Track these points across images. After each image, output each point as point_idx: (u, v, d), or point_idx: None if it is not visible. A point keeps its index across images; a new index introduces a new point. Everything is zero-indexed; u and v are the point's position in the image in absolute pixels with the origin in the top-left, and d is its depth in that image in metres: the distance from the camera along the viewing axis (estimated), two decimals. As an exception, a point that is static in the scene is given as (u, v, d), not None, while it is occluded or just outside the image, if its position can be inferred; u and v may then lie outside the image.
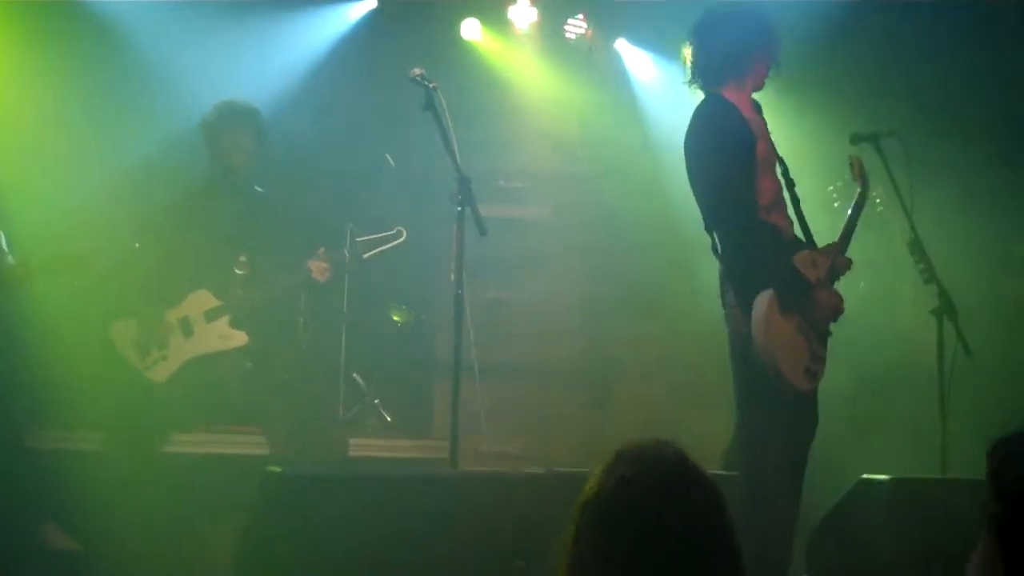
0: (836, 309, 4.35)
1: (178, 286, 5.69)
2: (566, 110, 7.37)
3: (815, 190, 5.38)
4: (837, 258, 4.42)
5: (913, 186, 5.00)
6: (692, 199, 4.38)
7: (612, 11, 7.37)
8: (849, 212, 4.58)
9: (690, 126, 4.37)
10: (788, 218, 4.40)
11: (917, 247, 5.12)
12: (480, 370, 5.17)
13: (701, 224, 4.36)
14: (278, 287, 5.83)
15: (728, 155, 4.22)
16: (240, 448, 5.72)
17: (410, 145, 6.61)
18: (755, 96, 4.49)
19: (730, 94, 4.38)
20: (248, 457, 5.55)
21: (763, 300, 4.13)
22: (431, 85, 4.82)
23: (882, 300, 6.29)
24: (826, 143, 5.87)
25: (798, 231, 4.43)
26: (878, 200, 5.89)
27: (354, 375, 6.62)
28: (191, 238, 5.73)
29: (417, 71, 4.84)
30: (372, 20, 7.16)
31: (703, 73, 4.43)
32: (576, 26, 7.39)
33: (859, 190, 4.64)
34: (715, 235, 4.31)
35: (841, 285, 4.46)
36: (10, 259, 5.47)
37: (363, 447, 6.15)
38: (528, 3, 7.25)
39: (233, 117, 5.85)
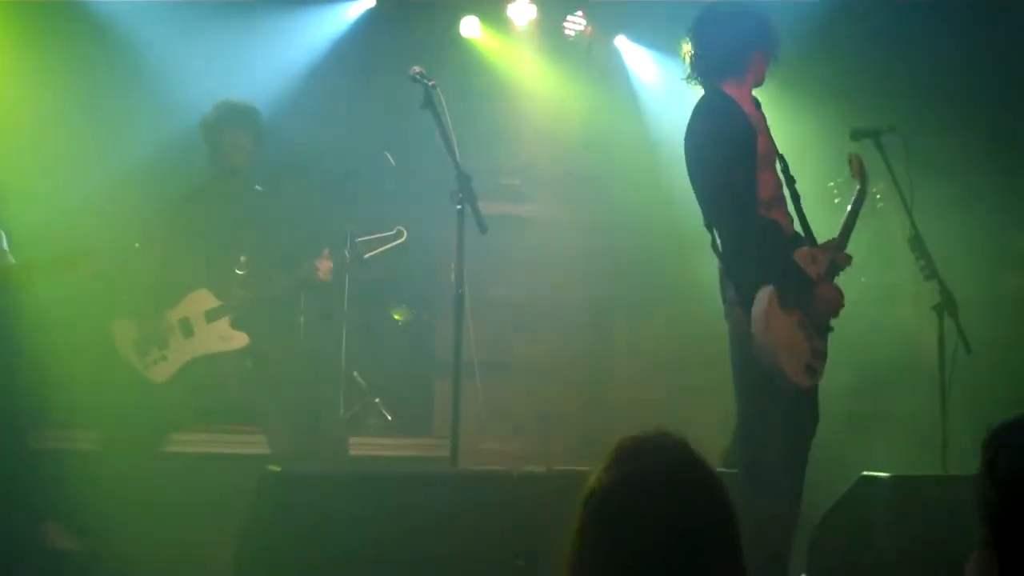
0: (837, 304, 4.34)
1: (178, 286, 5.68)
2: (565, 107, 7.36)
3: (816, 186, 5.38)
4: (837, 254, 4.42)
5: (913, 182, 4.99)
6: (692, 196, 4.38)
7: (611, 8, 7.36)
8: (848, 208, 4.58)
9: (690, 121, 4.36)
10: (788, 214, 4.40)
11: (918, 243, 5.11)
12: (480, 368, 5.17)
13: (701, 221, 4.36)
14: (279, 287, 5.82)
15: (729, 150, 4.21)
16: (240, 448, 5.73)
17: (409, 143, 6.61)
18: (755, 92, 4.49)
19: (730, 89, 4.37)
20: (248, 457, 5.55)
21: (764, 296, 4.13)
22: (430, 83, 4.81)
23: (882, 296, 6.28)
24: (827, 139, 5.86)
25: (798, 227, 4.43)
26: (878, 196, 5.89)
27: (354, 374, 6.62)
28: (191, 238, 5.73)
29: (416, 69, 4.83)
30: (371, 18, 7.16)
31: (703, 69, 4.42)
32: (575, 23, 7.39)
33: (858, 187, 4.64)
34: (715, 232, 4.31)
35: (841, 281, 4.46)
36: (11, 259, 5.47)
37: (363, 446, 6.15)
38: (527, 0, 7.25)
39: (232, 117, 5.85)
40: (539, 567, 3.75)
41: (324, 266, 5.76)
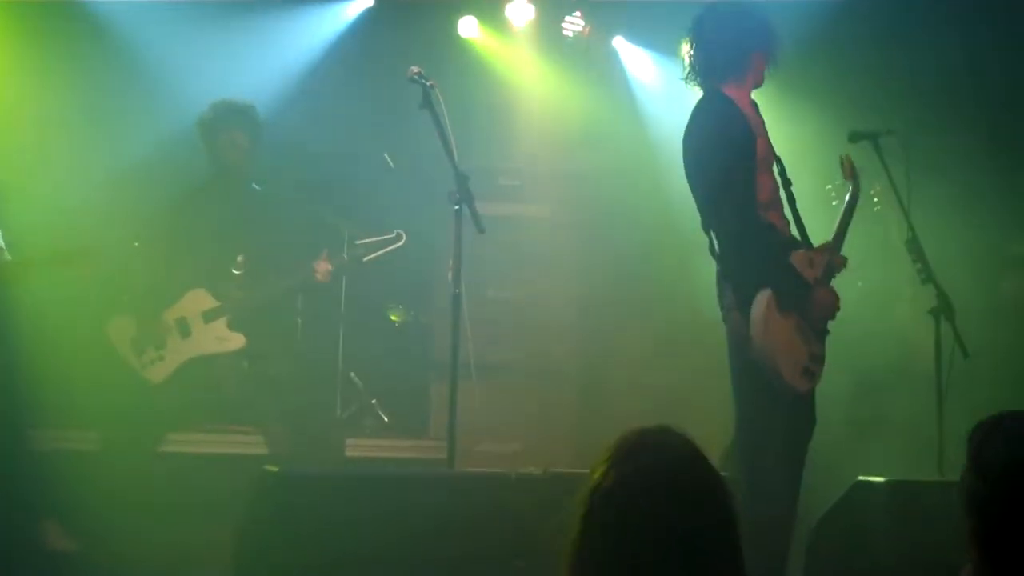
0: (833, 307, 4.34)
1: (176, 285, 5.68)
2: (564, 107, 7.34)
3: (813, 188, 5.37)
4: (833, 257, 4.42)
5: (912, 183, 4.98)
6: (691, 197, 4.36)
7: (609, 8, 7.35)
8: (842, 210, 4.57)
9: (689, 123, 4.33)
10: (784, 217, 4.39)
11: (915, 246, 5.11)
12: (477, 370, 5.17)
13: (699, 223, 4.35)
14: (276, 288, 5.83)
15: (728, 152, 4.19)
16: (237, 448, 5.73)
17: (407, 143, 6.60)
18: (753, 94, 4.48)
19: (730, 91, 4.34)
20: (245, 457, 5.56)
21: (762, 299, 4.12)
22: (428, 83, 4.81)
23: (879, 300, 6.27)
24: (824, 141, 5.85)
25: (794, 230, 4.42)
26: (876, 199, 5.89)
27: (351, 375, 6.62)
28: (189, 237, 5.73)
29: (414, 69, 4.84)
30: (369, 18, 7.15)
31: (703, 70, 4.39)
32: (573, 23, 7.38)
33: (851, 188, 4.64)
34: (712, 235, 4.30)
35: (838, 284, 4.44)
36: (7, 256, 5.47)
37: (360, 447, 6.15)
38: (525, 1, 7.24)
39: (229, 116, 5.85)
40: (536, 568, 3.75)
41: (322, 268, 5.76)
